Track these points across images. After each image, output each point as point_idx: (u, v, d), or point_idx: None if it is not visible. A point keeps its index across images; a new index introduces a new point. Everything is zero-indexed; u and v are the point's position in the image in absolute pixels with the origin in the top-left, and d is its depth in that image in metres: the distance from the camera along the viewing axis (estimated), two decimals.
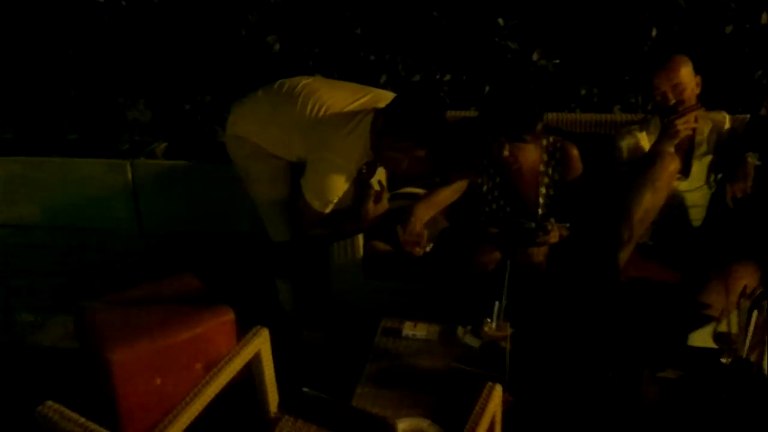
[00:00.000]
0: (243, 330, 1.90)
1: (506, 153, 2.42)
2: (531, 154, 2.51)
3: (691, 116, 2.46)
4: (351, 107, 2.47)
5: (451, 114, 2.85)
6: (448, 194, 2.63)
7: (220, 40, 3.57)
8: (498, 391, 1.60)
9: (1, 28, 3.78)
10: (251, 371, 1.88)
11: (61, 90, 3.89)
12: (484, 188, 2.63)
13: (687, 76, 2.52)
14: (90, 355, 2.36)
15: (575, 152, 2.59)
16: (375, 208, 2.44)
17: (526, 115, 2.41)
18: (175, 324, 2.30)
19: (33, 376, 2.67)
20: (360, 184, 2.53)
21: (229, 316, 2.39)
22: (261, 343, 1.84)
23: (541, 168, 2.58)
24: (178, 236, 3.60)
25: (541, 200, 2.58)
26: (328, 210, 2.45)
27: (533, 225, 2.43)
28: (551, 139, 2.61)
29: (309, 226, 2.51)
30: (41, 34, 3.77)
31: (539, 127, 2.45)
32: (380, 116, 2.41)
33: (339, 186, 2.43)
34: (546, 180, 2.58)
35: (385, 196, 2.48)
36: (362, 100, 2.50)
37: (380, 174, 2.69)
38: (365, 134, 2.42)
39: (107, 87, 3.86)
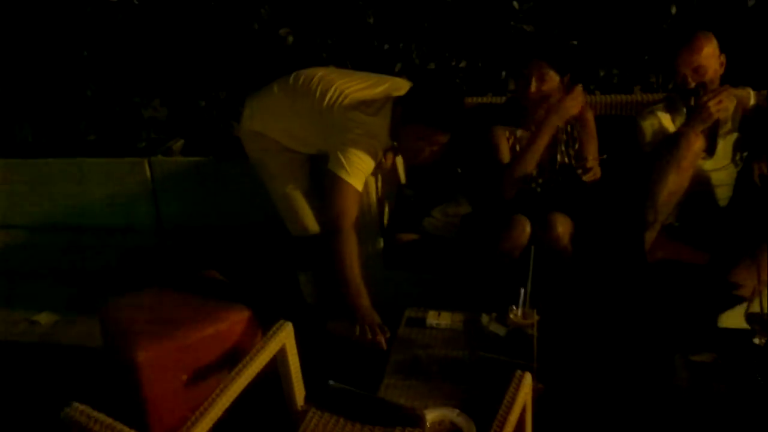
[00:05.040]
0: (266, 325, 1.89)
1: (533, 89, 2.45)
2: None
3: (721, 96, 2.39)
4: (371, 95, 2.45)
5: (467, 101, 2.82)
6: None
7: (233, 35, 3.55)
8: (528, 379, 1.57)
9: (16, 30, 3.79)
10: (276, 365, 1.87)
11: (78, 90, 3.90)
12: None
13: (709, 57, 2.44)
14: (115, 355, 2.36)
15: (590, 115, 2.61)
16: None
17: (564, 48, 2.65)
18: (199, 321, 2.30)
19: (57, 377, 2.68)
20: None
21: (253, 311, 2.38)
22: (285, 337, 1.82)
23: (560, 125, 2.56)
24: (197, 232, 3.60)
25: (558, 157, 2.57)
26: (361, 186, 2.38)
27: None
28: None
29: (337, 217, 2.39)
30: (56, 35, 3.78)
31: (567, 79, 2.50)
32: (399, 105, 2.38)
33: (368, 160, 2.37)
34: (564, 137, 2.58)
35: None
36: (381, 88, 2.48)
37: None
38: (387, 119, 2.39)
39: (123, 86, 3.86)
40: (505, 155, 2.58)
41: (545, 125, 2.47)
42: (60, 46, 3.79)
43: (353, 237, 2.35)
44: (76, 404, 1.46)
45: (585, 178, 2.41)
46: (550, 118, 2.46)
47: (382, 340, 2.14)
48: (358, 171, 2.35)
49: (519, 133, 2.61)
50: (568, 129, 2.59)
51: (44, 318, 3.09)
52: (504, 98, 2.87)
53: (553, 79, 2.46)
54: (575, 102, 2.46)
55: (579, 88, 2.48)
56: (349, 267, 2.32)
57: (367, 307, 2.25)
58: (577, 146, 2.59)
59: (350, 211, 2.36)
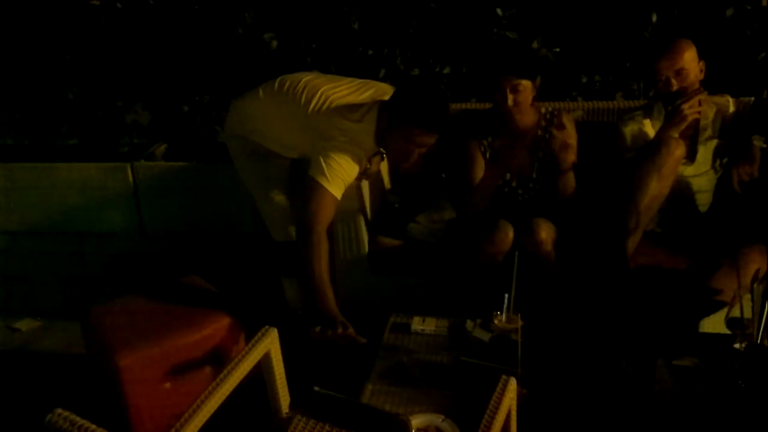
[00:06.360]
0: (250, 330, 1.88)
1: (510, 102, 2.47)
2: (530, 117, 2.59)
3: (695, 100, 2.44)
4: (356, 100, 2.45)
5: (451, 107, 2.83)
6: None
7: (217, 40, 3.54)
8: (513, 384, 1.58)
9: None
10: (261, 371, 1.86)
11: (59, 94, 3.86)
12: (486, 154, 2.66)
13: (690, 61, 2.49)
14: (98, 360, 2.34)
15: (570, 125, 2.63)
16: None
17: (528, 54, 2.74)
18: (183, 326, 2.29)
19: (40, 383, 2.65)
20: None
21: (237, 317, 2.37)
22: (270, 343, 1.82)
23: (539, 132, 2.62)
24: (180, 238, 3.58)
25: (535, 164, 2.61)
26: (340, 194, 2.38)
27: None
28: (550, 108, 2.69)
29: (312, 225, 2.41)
30: (38, 38, 3.74)
31: (538, 81, 2.52)
32: (384, 110, 2.39)
33: (350, 168, 2.37)
34: (543, 144, 2.61)
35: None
36: (366, 93, 2.49)
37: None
38: (372, 125, 2.40)
39: (105, 90, 3.83)
40: (479, 167, 2.62)
41: (495, 167, 2.60)
42: (42, 50, 3.76)
43: (324, 240, 2.35)
44: (59, 410, 1.45)
45: (560, 185, 2.46)
46: (497, 163, 2.60)
47: (352, 333, 2.14)
48: (338, 179, 2.36)
49: (497, 143, 2.64)
50: (546, 137, 2.62)
51: (25, 324, 3.06)
52: (488, 105, 2.88)
53: (526, 87, 2.48)
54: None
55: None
56: (316, 265, 2.32)
57: (331, 308, 2.26)
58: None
59: (325, 215, 2.36)
